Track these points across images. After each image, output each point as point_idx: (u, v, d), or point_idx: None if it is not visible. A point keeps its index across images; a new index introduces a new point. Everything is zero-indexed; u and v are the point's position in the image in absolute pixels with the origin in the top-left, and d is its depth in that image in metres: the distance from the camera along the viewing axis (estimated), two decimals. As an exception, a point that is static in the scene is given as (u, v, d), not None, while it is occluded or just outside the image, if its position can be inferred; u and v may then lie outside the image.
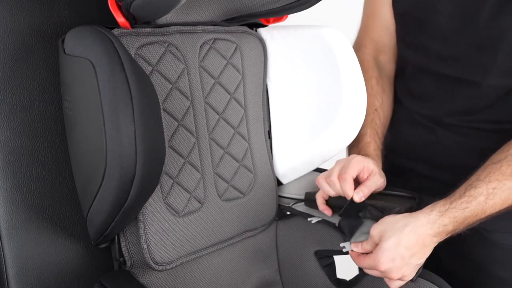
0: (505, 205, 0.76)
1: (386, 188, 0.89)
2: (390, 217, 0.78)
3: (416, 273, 0.80)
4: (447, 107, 0.92)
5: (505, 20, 0.81)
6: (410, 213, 0.77)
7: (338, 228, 0.87)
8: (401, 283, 0.79)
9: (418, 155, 0.98)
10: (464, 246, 0.91)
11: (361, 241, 0.81)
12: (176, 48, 0.82)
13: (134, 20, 0.76)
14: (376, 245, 0.77)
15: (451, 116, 0.91)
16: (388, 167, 1.02)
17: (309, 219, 0.92)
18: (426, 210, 0.76)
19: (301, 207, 0.97)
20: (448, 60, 0.90)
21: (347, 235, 0.84)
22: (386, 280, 0.79)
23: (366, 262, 0.78)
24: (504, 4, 0.81)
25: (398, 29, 0.99)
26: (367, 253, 0.79)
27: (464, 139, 0.91)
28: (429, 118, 0.96)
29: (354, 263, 0.82)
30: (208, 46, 0.86)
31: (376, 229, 0.77)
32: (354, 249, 0.81)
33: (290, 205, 0.98)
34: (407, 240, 0.74)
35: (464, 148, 0.91)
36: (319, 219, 0.91)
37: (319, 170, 1.00)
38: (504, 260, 0.89)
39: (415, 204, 0.86)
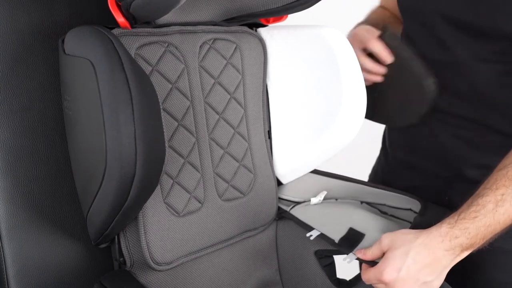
0: None
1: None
2: (403, 230, 0.76)
3: None
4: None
5: None
6: (423, 229, 0.74)
7: (337, 245, 0.87)
8: None
9: (415, 148, 0.99)
10: None
11: (367, 248, 0.78)
12: (176, 48, 0.82)
13: (134, 20, 0.76)
14: (383, 253, 0.75)
15: (442, 102, 0.92)
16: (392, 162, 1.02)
17: (307, 234, 0.91)
18: (437, 224, 0.74)
19: (298, 211, 0.97)
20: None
21: (347, 250, 0.84)
22: None
23: (371, 272, 0.74)
24: None
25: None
26: (371, 263, 0.76)
27: (454, 129, 0.92)
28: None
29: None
30: (208, 46, 0.86)
31: (388, 237, 0.75)
32: (359, 256, 0.78)
33: (288, 208, 0.98)
34: (416, 252, 0.72)
35: (454, 139, 0.92)
36: (318, 233, 0.90)
37: (318, 172, 1.00)
38: (501, 262, 0.89)
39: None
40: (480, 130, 0.89)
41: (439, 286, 0.74)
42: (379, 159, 1.16)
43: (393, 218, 0.93)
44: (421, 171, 0.99)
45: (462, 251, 0.73)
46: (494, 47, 0.83)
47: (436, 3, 0.88)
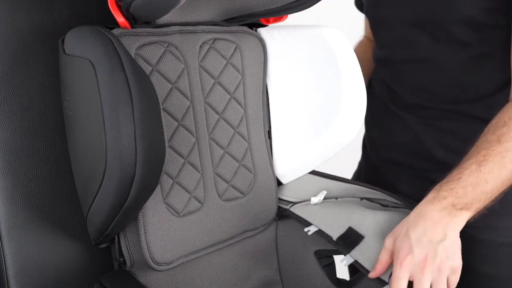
0: (504, 171, 0.74)
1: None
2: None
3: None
4: (410, 87, 0.96)
5: None
6: None
7: (335, 243, 0.87)
8: (454, 275, 0.73)
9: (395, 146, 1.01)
10: None
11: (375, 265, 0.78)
12: (176, 48, 0.82)
13: (134, 20, 0.76)
14: (391, 253, 0.75)
15: (414, 97, 0.95)
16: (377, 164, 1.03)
17: (305, 229, 0.91)
18: (425, 197, 0.77)
19: (299, 210, 0.97)
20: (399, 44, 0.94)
21: (344, 250, 0.84)
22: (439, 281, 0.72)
23: (394, 274, 0.73)
24: None
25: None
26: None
27: (429, 121, 0.94)
28: (398, 105, 1.00)
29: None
30: (208, 46, 0.86)
31: (389, 237, 0.76)
32: (371, 276, 0.77)
33: (288, 207, 0.98)
34: (413, 226, 0.73)
35: (429, 131, 0.95)
36: (316, 229, 0.90)
37: (318, 174, 1.00)
38: (489, 256, 0.89)
39: None
40: (453, 118, 0.92)
41: (454, 244, 0.74)
42: (360, 163, 1.18)
43: (394, 209, 0.93)
44: (402, 165, 1.00)
45: (458, 210, 0.74)
46: (451, 37, 0.87)
47: (395, 9, 0.93)
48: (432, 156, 0.95)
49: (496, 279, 0.90)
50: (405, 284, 0.72)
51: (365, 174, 1.10)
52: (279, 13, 0.85)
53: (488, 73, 0.88)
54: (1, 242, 0.77)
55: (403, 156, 1.00)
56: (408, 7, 0.90)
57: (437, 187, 0.76)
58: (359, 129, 0.94)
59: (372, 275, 0.78)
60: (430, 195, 0.76)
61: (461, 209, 0.75)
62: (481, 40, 0.86)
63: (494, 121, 0.78)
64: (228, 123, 0.90)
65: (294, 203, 0.99)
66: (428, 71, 0.93)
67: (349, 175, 1.16)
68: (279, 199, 0.99)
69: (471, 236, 0.88)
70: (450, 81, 0.90)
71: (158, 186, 0.80)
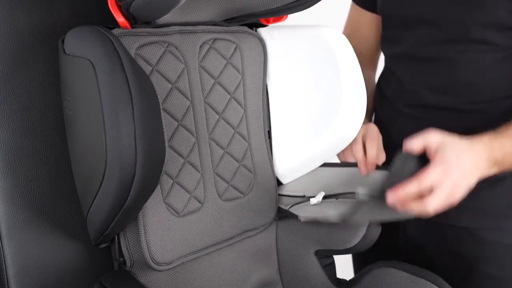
0: None
1: None
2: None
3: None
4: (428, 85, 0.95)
5: None
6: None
7: (339, 223, 0.86)
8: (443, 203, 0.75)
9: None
10: (454, 245, 0.91)
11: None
12: (176, 48, 0.82)
13: (134, 20, 0.76)
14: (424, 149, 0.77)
15: (433, 96, 0.93)
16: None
17: (300, 216, 0.91)
18: (479, 137, 0.77)
19: (298, 211, 0.97)
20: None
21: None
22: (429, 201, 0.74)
23: (430, 176, 0.74)
24: None
25: (383, 30, 1.03)
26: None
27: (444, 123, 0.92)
28: (412, 105, 0.98)
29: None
30: (208, 46, 0.86)
31: (436, 136, 0.77)
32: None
33: (288, 207, 0.98)
34: (467, 156, 0.75)
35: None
36: (308, 217, 0.91)
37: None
38: (494, 257, 0.89)
39: None
40: (468, 119, 0.91)
41: (467, 188, 0.76)
42: None
43: None
44: None
45: (494, 165, 0.76)
46: (476, 38, 0.86)
47: (420, 8, 0.91)
48: None
49: (499, 280, 0.90)
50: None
51: None
52: (279, 13, 0.85)
53: (510, 73, 0.87)
54: (1, 242, 0.77)
55: None
56: (433, 6, 0.88)
57: (492, 135, 0.77)
58: (358, 129, 0.94)
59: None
60: (486, 140, 0.77)
61: (496, 164, 0.77)
62: (508, 42, 0.84)
63: None
64: (228, 123, 0.90)
65: (293, 204, 0.99)
66: (450, 70, 0.91)
67: None
68: (280, 195, 0.99)
69: (477, 237, 0.89)
70: (472, 81, 0.89)
71: (158, 186, 0.80)
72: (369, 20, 1.08)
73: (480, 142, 0.77)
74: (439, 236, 0.93)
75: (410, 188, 0.74)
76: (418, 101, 0.96)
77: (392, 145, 1.04)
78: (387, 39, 1.02)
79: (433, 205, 0.74)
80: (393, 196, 0.75)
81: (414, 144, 0.77)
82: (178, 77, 0.82)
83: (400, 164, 0.79)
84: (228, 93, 0.89)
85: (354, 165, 0.95)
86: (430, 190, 0.73)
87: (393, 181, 0.76)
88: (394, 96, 1.02)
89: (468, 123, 0.90)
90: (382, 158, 0.90)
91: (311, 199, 0.97)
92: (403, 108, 1.00)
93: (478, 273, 0.90)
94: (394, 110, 1.02)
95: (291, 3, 0.82)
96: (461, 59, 0.88)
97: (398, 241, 0.99)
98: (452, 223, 0.91)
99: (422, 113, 0.96)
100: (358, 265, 1.13)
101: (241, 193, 0.92)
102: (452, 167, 0.74)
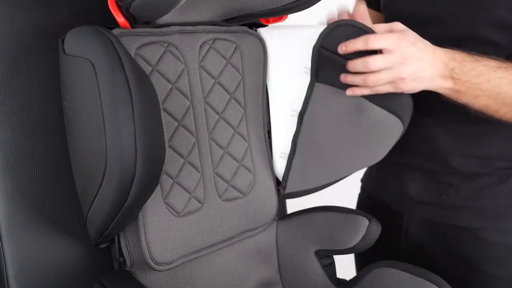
0: (510, 90, 0.76)
1: None
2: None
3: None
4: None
5: None
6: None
7: None
8: (411, 86, 0.78)
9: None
10: (455, 245, 0.91)
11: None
12: (176, 48, 0.82)
13: (134, 20, 0.76)
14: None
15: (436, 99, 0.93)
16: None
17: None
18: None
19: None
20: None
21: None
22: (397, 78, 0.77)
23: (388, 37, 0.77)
24: None
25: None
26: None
27: (448, 124, 0.93)
28: (416, 107, 0.97)
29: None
30: (208, 46, 0.86)
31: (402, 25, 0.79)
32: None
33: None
34: (423, 44, 0.77)
35: (445, 133, 0.93)
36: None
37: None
38: (494, 257, 0.89)
39: None
40: (472, 122, 0.90)
41: (416, 86, 0.79)
42: None
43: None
44: (414, 167, 0.98)
45: (450, 76, 0.77)
46: (478, 37, 0.85)
47: (422, 6, 0.90)
48: (447, 161, 0.92)
49: (501, 280, 0.90)
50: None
51: (376, 173, 1.09)
52: (279, 13, 0.85)
53: None
54: (1, 242, 0.77)
55: (416, 159, 0.98)
56: (436, 4, 0.88)
57: (455, 50, 0.78)
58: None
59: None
60: (449, 49, 0.78)
61: (453, 78, 0.77)
62: (509, 42, 0.83)
63: None
64: (228, 123, 0.90)
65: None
66: None
67: (358, 174, 1.14)
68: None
69: (478, 237, 0.89)
70: None
71: (158, 186, 0.80)
72: (372, 18, 1.07)
73: (443, 49, 0.78)
74: (440, 236, 0.93)
75: (359, 40, 0.78)
76: (423, 102, 0.96)
77: (396, 145, 1.04)
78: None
79: (377, 64, 0.76)
80: (342, 46, 0.81)
81: (381, 26, 0.79)
82: (178, 77, 0.82)
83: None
84: (228, 93, 0.89)
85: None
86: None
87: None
88: None
89: (474, 127, 0.90)
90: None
91: None
92: None
93: (479, 274, 0.90)
94: None
95: (291, 3, 0.82)
96: None
97: (400, 241, 0.99)
98: (453, 223, 0.91)
99: (428, 115, 0.95)
100: (360, 265, 1.13)
101: (241, 193, 0.92)
102: (408, 42, 0.76)
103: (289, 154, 0.97)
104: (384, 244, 0.94)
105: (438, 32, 0.87)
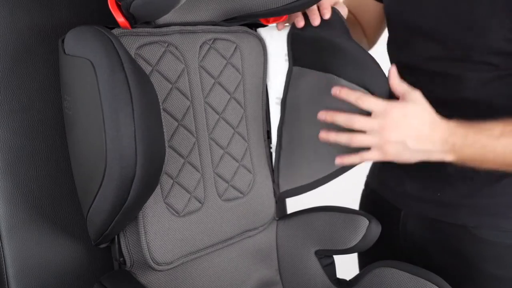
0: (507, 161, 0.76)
1: None
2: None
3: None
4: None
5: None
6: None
7: None
8: (378, 154, 0.78)
9: None
10: (453, 244, 0.91)
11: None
12: (176, 48, 0.82)
13: (134, 20, 0.76)
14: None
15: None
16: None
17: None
18: (447, 120, 0.78)
19: None
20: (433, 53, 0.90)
21: None
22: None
23: (379, 102, 0.76)
24: None
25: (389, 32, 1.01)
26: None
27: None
28: None
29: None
30: (208, 46, 0.86)
31: (413, 90, 0.78)
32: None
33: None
34: (425, 119, 0.76)
35: None
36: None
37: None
38: (492, 255, 0.89)
39: None
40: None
41: (410, 157, 0.78)
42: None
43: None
44: (408, 164, 0.98)
45: (450, 151, 0.77)
46: (475, 58, 0.84)
47: (412, 18, 0.90)
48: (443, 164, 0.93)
49: (501, 279, 0.90)
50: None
51: (379, 169, 1.09)
52: (279, 13, 0.85)
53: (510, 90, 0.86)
54: (1, 242, 0.77)
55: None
56: (436, 22, 0.87)
57: (459, 123, 0.77)
58: None
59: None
60: (452, 124, 0.77)
61: (455, 152, 0.77)
62: (508, 63, 0.83)
63: None
64: (228, 123, 0.90)
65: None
66: (449, 85, 0.89)
67: (360, 175, 1.14)
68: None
69: (476, 235, 0.89)
70: (471, 98, 0.88)
71: (158, 186, 0.80)
72: (370, 8, 1.06)
73: (445, 121, 0.77)
74: (438, 234, 0.93)
75: (352, 93, 0.77)
76: None
77: None
78: (393, 43, 1.00)
79: (361, 123, 0.76)
80: (336, 90, 0.79)
81: (398, 84, 0.78)
82: (178, 77, 0.82)
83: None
84: (228, 93, 0.89)
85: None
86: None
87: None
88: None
89: None
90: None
91: None
92: None
93: (477, 271, 0.90)
94: None
95: (291, 3, 0.82)
96: (462, 76, 0.87)
97: (399, 240, 0.99)
98: (450, 221, 0.91)
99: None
100: (362, 261, 1.14)
101: (241, 193, 0.92)
102: (401, 113, 0.75)
103: (276, 146, 0.97)
104: (384, 240, 0.95)
105: (438, 48, 0.87)
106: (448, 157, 0.78)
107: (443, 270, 0.88)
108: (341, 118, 0.78)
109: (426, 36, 0.88)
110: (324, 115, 0.81)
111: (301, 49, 0.91)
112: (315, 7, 0.88)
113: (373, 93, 0.84)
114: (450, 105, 0.88)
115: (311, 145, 0.93)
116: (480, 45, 0.82)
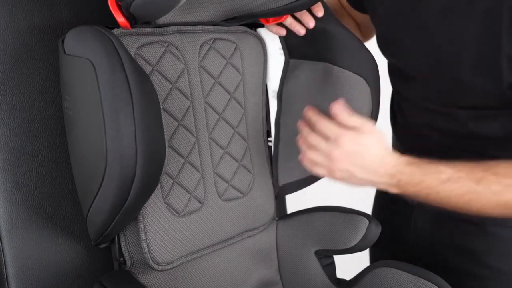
0: (461, 201, 0.76)
1: None
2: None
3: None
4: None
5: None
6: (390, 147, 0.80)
7: None
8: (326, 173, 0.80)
9: None
10: (461, 239, 0.91)
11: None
12: (176, 48, 0.82)
13: (134, 20, 0.76)
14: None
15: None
16: None
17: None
18: (400, 155, 0.79)
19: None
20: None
21: None
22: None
23: (332, 127, 0.78)
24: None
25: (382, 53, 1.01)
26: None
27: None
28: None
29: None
30: (208, 46, 0.86)
31: (368, 122, 0.79)
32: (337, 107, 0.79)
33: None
34: (375, 153, 0.77)
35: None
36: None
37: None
38: (501, 252, 0.89)
39: None
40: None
41: (357, 184, 0.80)
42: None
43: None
44: None
45: (395, 186, 0.78)
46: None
47: (403, 60, 0.90)
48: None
49: (508, 275, 0.90)
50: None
51: None
52: (279, 13, 0.85)
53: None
54: (1, 242, 0.77)
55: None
56: (422, 58, 0.87)
57: (411, 160, 0.78)
58: None
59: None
60: (403, 159, 0.78)
61: (399, 187, 0.78)
62: (496, 105, 0.83)
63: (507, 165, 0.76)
64: (228, 123, 0.90)
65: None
66: (444, 119, 0.90)
67: None
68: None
69: (485, 231, 0.88)
70: (465, 130, 0.88)
71: (158, 186, 0.80)
72: (355, 18, 1.06)
73: (395, 157, 0.78)
74: (447, 230, 0.93)
75: (312, 116, 0.79)
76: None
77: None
78: (389, 70, 1.00)
79: (311, 140, 0.78)
80: (309, 111, 0.81)
81: (347, 119, 0.78)
82: (178, 77, 0.82)
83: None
84: (228, 93, 0.89)
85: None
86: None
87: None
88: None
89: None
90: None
91: None
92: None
93: (486, 268, 0.90)
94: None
95: (291, 3, 0.82)
96: (452, 113, 0.87)
97: (409, 233, 0.99)
98: (460, 216, 0.91)
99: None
100: (373, 260, 1.14)
101: (241, 193, 0.92)
102: (353, 142, 0.76)
103: (274, 139, 0.97)
104: (397, 235, 0.95)
105: (426, 91, 0.88)
106: (393, 190, 0.80)
107: (451, 264, 0.88)
108: (304, 130, 0.80)
109: (414, 80, 0.89)
110: (300, 122, 0.83)
111: (295, 41, 0.92)
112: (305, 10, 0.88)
113: (365, 79, 0.86)
114: (447, 134, 0.89)
115: None
116: (464, 98, 0.83)
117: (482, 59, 0.77)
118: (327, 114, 0.83)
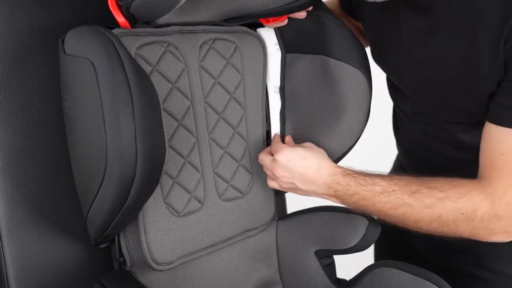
0: (396, 214, 0.78)
1: None
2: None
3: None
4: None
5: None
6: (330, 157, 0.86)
7: None
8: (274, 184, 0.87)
9: None
10: (466, 242, 0.91)
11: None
12: (176, 48, 0.82)
13: (134, 20, 0.76)
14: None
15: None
16: None
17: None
18: (338, 165, 0.83)
19: None
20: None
21: None
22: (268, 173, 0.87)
23: (277, 145, 0.87)
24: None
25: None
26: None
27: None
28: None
29: None
30: (208, 46, 0.86)
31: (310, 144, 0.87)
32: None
33: None
34: (313, 163, 0.82)
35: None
36: None
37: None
38: (506, 256, 0.89)
39: None
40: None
41: (303, 193, 0.86)
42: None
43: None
44: None
45: (334, 196, 0.82)
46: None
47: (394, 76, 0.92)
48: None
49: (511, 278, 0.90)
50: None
51: (398, 167, 1.09)
52: (279, 13, 0.85)
53: None
54: (1, 242, 0.77)
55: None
56: (409, 87, 0.90)
57: (348, 171, 0.81)
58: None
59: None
60: (340, 170, 0.82)
61: (337, 198, 0.82)
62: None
63: (455, 182, 0.77)
64: (228, 123, 0.90)
65: None
66: (437, 131, 0.91)
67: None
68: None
69: None
70: (457, 141, 0.89)
71: (158, 186, 0.80)
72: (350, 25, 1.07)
73: (332, 168, 0.82)
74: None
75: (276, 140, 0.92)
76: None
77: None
78: (388, 82, 1.01)
79: (261, 159, 0.89)
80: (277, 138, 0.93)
81: (275, 149, 0.86)
82: (178, 77, 0.82)
83: None
84: (228, 93, 0.89)
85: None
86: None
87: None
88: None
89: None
90: None
91: None
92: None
93: (490, 271, 0.90)
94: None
95: (291, 3, 0.82)
96: (444, 126, 0.89)
97: (415, 240, 0.99)
98: None
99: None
100: (378, 255, 1.15)
101: (241, 193, 0.92)
102: (285, 160, 0.83)
103: (280, 133, 0.97)
104: (402, 238, 0.95)
105: (417, 105, 0.89)
106: (334, 201, 0.83)
107: (455, 269, 0.88)
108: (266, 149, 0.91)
109: (404, 94, 0.91)
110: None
111: (291, 35, 0.93)
112: None
113: (359, 69, 0.88)
114: (443, 143, 0.89)
115: (311, 130, 0.94)
116: (449, 114, 0.85)
117: (462, 80, 0.78)
118: (328, 106, 0.87)
